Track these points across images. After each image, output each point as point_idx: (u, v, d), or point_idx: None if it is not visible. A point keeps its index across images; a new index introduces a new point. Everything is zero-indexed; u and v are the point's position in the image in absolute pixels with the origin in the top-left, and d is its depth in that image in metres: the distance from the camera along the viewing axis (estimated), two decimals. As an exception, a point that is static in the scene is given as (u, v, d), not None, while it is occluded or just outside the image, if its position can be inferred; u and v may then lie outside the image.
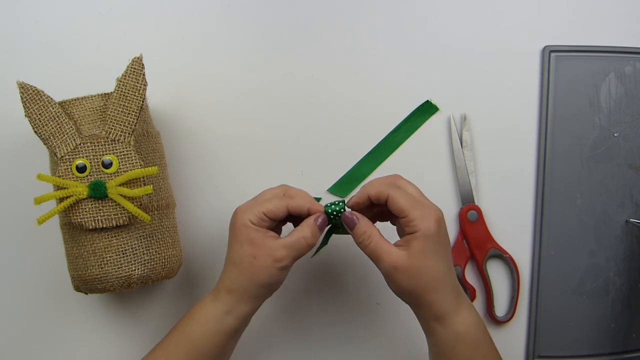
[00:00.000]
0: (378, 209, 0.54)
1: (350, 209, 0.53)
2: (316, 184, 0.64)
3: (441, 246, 0.50)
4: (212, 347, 0.52)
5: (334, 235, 0.57)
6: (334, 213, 0.52)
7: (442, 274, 0.50)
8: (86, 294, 0.57)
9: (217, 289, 0.53)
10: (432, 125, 0.65)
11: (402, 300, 0.52)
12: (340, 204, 0.53)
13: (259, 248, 0.50)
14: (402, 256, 0.49)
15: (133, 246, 0.54)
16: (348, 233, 0.53)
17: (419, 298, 0.50)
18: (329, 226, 0.54)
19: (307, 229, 0.51)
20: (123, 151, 0.53)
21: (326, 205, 0.53)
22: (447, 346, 0.50)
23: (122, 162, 0.53)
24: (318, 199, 0.64)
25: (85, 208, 0.52)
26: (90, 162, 0.53)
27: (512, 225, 0.65)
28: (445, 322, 0.50)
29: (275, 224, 0.54)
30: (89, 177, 0.53)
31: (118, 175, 0.53)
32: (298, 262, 0.63)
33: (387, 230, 0.53)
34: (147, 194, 0.54)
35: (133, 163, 0.53)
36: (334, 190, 0.65)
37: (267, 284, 0.51)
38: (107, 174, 0.53)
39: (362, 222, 0.51)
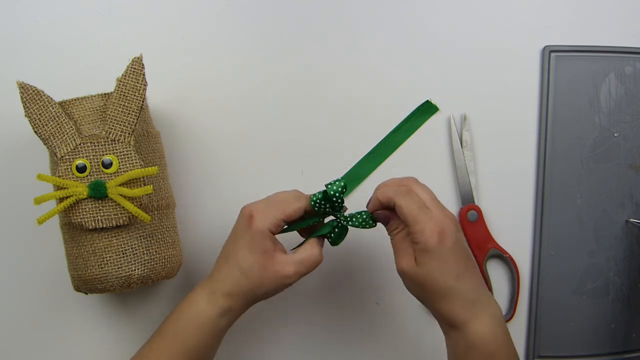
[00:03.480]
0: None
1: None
2: (316, 184, 0.64)
3: (448, 257, 0.48)
4: (203, 348, 0.52)
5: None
6: (336, 196, 0.52)
7: (449, 285, 0.48)
8: (86, 294, 0.57)
9: (212, 289, 0.52)
10: (432, 125, 0.65)
11: (402, 301, 0.53)
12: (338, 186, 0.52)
13: (271, 260, 0.50)
14: (410, 263, 0.49)
15: (133, 246, 0.54)
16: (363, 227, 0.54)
17: (428, 305, 0.50)
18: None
19: (316, 247, 0.52)
20: (123, 151, 0.53)
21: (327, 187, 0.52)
22: (460, 352, 0.49)
23: (122, 162, 0.53)
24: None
25: (85, 208, 0.52)
26: (90, 162, 0.53)
27: (512, 225, 0.65)
28: (459, 329, 0.49)
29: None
30: (89, 177, 0.53)
31: (118, 175, 0.53)
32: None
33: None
34: (147, 194, 0.54)
35: (133, 163, 0.53)
36: (334, 190, 0.65)
37: (269, 294, 0.52)
38: (107, 174, 0.53)
39: (395, 219, 0.52)
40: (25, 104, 0.53)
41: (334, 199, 0.52)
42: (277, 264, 0.50)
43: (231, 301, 0.51)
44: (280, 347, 0.65)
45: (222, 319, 0.51)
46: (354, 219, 0.54)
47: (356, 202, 0.64)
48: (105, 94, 0.55)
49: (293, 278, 0.51)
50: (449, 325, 0.49)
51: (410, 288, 0.51)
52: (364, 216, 0.53)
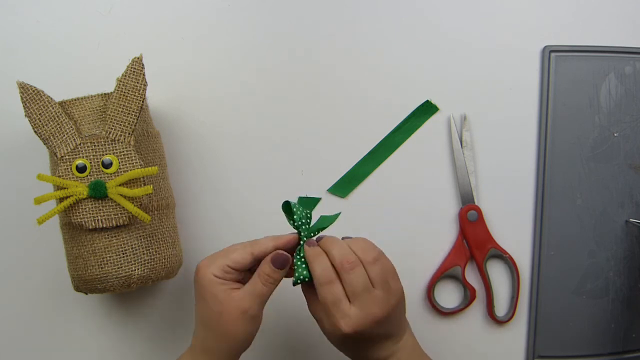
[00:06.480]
0: None
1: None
2: (316, 184, 0.64)
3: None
4: None
5: None
6: (302, 220, 0.50)
7: (383, 337, 0.49)
8: (86, 294, 0.57)
9: (193, 347, 0.50)
10: (432, 125, 0.65)
11: None
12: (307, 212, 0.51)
13: (224, 303, 0.47)
14: (357, 319, 0.47)
15: (133, 246, 0.54)
16: None
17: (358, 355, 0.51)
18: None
19: (263, 267, 0.49)
20: (123, 151, 0.53)
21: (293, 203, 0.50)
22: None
23: (122, 162, 0.53)
24: (317, 199, 0.64)
25: (85, 208, 0.52)
26: (90, 162, 0.53)
27: (512, 225, 0.65)
28: (400, 339, 0.50)
29: (244, 276, 0.50)
30: (89, 177, 0.53)
31: (118, 175, 0.53)
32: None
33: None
34: (147, 194, 0.54)
35: (133, 163, 0.53)
36: (334, 190, 0.64)
37: (240, 339, 0.48)
38: (107, 174, 0.53)
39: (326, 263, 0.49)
40: (25, 104, 0.53)
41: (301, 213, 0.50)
42: (232, 303, 0.47)
43: (209, 358, 0.48)
44: (274, 350, 0.65)
45: None
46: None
47: (355, 203, 0.64)
48: (105, 94, 0.55)
49: (252, 310, 0.48)
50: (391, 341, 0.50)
51: (356, 342, 0.49)
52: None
